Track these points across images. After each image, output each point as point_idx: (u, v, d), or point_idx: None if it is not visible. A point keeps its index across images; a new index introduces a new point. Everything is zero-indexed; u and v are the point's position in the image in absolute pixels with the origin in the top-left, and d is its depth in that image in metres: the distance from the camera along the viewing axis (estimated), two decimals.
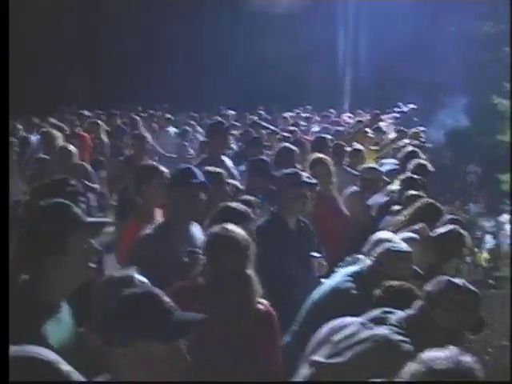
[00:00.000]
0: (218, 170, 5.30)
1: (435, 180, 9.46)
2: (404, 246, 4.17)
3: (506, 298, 10.91)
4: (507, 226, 12.00)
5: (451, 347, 2.35)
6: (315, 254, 4.91)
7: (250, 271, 3.48)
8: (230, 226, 3.54)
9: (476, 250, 11.80)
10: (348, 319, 3.41)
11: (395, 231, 4.99)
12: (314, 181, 5.18)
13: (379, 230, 5.05)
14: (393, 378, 2.37)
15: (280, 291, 3.99)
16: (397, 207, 5.94)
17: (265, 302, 3.55)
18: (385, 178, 7.21)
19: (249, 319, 3.45)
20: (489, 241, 11.88)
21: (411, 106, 14.62)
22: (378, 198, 6.56)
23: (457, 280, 3.30)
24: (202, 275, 3.58)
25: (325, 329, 3.46)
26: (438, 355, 2.29)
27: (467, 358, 2.29)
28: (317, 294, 4.25)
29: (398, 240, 4.27)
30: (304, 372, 3.30)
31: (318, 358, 3.27)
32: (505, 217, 12.31)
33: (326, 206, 5.97)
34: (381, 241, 4.24)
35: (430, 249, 4.82)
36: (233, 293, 3.43)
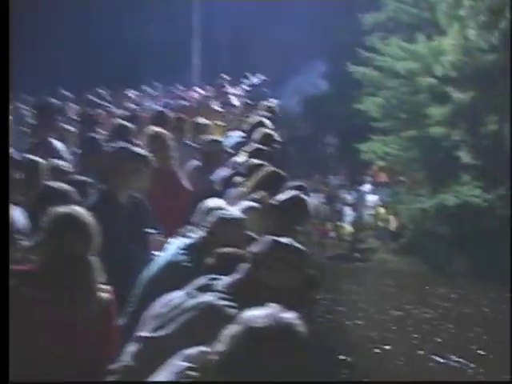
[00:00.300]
0: (34, 158, 5.17)
1: (292, 152, 9.68)
2: (236, 213, 4.24)
3: (371, 270, 11.40)
4: (368, 197, 12.47)
5: (272, 305, 2.35)
6: (151, 231, 4.94)
7: (93, 257, 3.48)
8: (75, 208, 3.53)
9: (338, 223, 12.24)
10: (178, 292, 3.43)
11: (236, 202, 5.05)
12: (145, 153, 5.15)
13: None
14: (216, 343, 2.38)
15: (116, 271, 3.98)
16: (240, 179, 5.99)
17: (108, 287, 3.54)
18: (228, 150, 7.29)
19: (90, 310, 3.45)
20: (349, 213, 12.31)
21: (262, 77, 14.77)
22: (223, 172, 6.60)
23: (283, 239, 3.31)
24: (34, 259, 3.53)
25: (156, 304, 3.46)
26: (258, 314, 2.30)
27: (288, 315, 2.31)
28: (150, 269, 4.27)
29: (228, 207, 4.34)
30: (130, 349, 3.31)
31: (142, 333, 3.29)
32: (366, 187, 12.77)
33: (165, 181, 5.98)
34: (211, 209, 4.29)
35: (268, 216, 4.88)
36: (73, 280, 3.40)
